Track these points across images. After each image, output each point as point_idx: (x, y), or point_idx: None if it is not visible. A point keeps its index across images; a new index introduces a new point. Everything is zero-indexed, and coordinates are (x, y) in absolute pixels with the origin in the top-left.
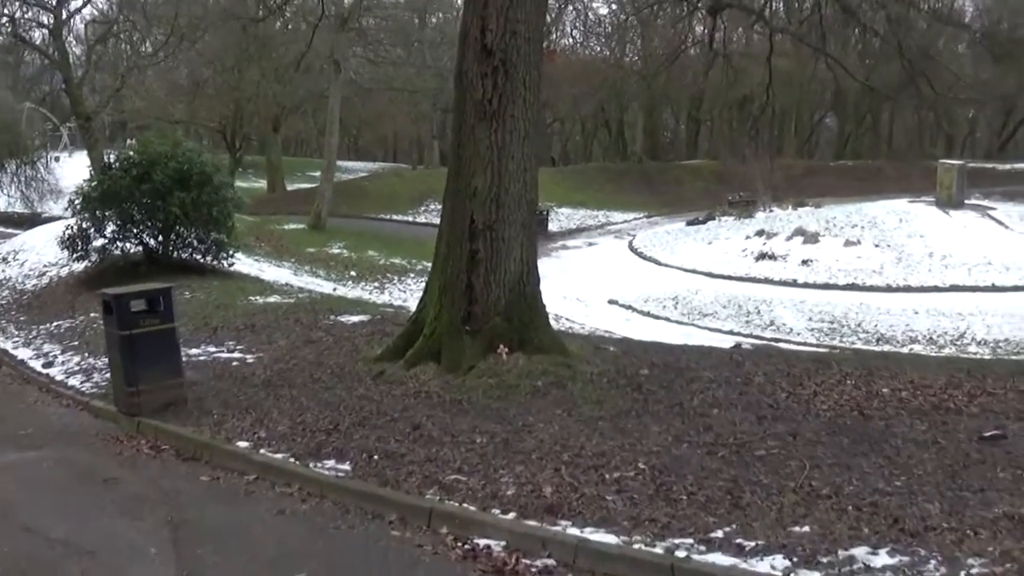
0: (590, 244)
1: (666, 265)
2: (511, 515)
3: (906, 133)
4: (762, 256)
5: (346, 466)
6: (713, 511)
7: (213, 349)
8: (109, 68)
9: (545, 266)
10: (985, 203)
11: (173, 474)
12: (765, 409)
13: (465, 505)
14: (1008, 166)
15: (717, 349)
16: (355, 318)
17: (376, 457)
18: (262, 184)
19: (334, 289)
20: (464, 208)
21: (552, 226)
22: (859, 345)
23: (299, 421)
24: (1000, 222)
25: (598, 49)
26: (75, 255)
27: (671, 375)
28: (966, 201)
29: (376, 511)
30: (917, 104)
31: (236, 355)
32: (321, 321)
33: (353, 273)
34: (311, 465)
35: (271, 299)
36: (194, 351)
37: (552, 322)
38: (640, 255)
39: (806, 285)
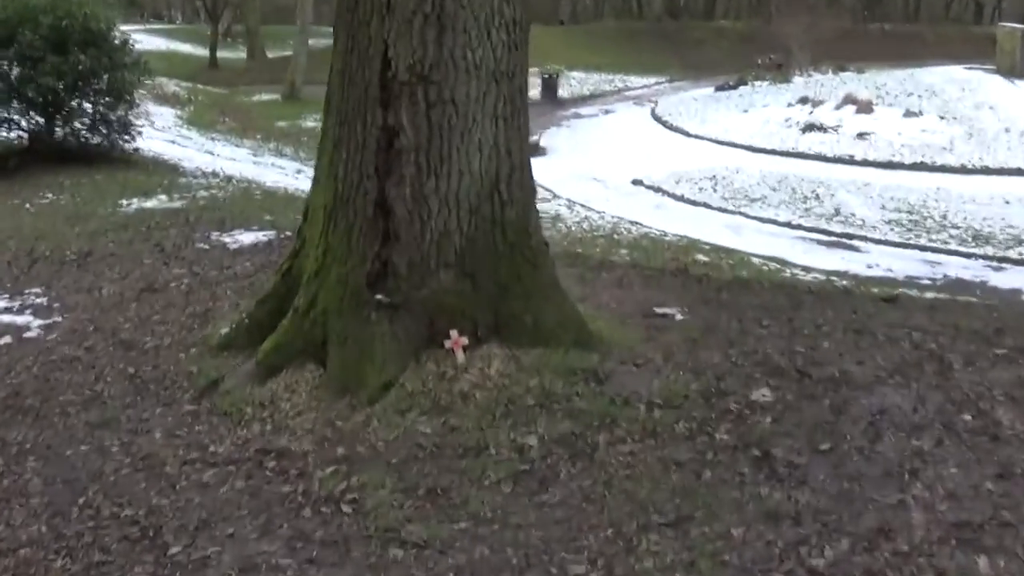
0: (606, 112)
1: (696, 137)
2: None
3: None
4: (809, 127)
5: None
6: None
7: (10, 301)
8: None
9: (555, 138)
10: None
11: None
12: None
13: None
14: None
15: (859, 299)
16: (250, 237)
17: None
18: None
19: (299, 172)
20: (367, 38)
21: (562, 91)
22: (953, 245)
23: None
24: None
25: None
26: None
27: (820, 406)
28: None
29: None
30: None
31: (22, 319)
32: (195, 245)
33: None
34: None
35: (150, 203)
36: None
37: (564, 210)
38: (665, 125)
39: (866, 163)
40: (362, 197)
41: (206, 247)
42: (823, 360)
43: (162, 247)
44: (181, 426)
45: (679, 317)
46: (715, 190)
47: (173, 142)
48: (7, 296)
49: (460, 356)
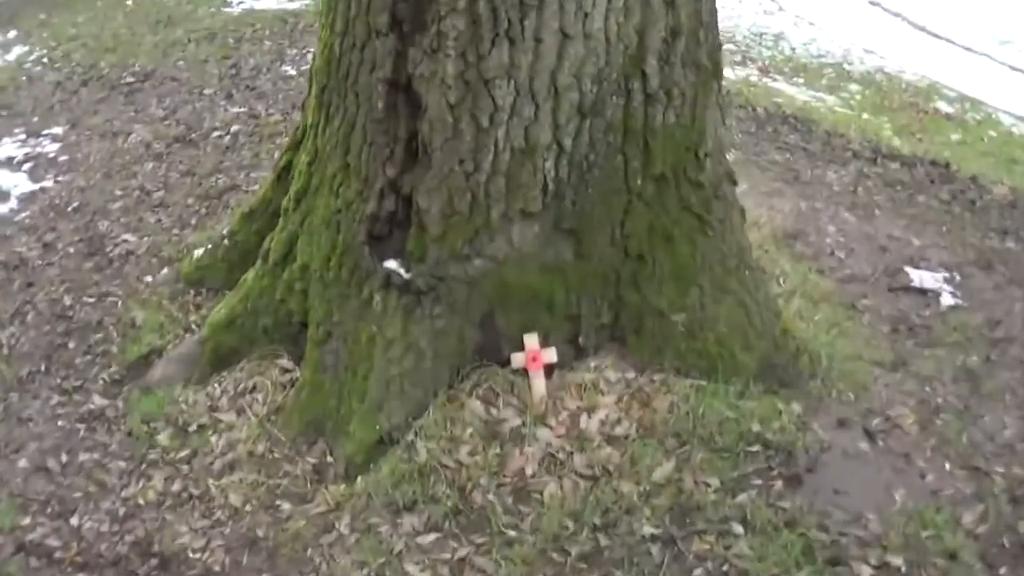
0: None
1: None
2: None
3: None
4: None
5: None
6: None
7: (21, 146)
8: None
9: None
10: None
11: None
12: None
13: None
14: None
15: None
16: None
17: None
18: None
19: None
20: None
21: None
22: None
23: None
24: None
25: None
26: None
27: None
28: None
29: None
30: None
31: (11, 178)
32: (279, 68)
33: None
34: None
35: (264, 2)
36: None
37: (790, 28)
38: None
39: None
40: (367, 72)
41: (292, 72)
42: None
43: (237, 70)
44: (62, 448)
45: (946, 299)
46: (960, 23)
47: None
48: (21, 137)
49: (539, 386)
